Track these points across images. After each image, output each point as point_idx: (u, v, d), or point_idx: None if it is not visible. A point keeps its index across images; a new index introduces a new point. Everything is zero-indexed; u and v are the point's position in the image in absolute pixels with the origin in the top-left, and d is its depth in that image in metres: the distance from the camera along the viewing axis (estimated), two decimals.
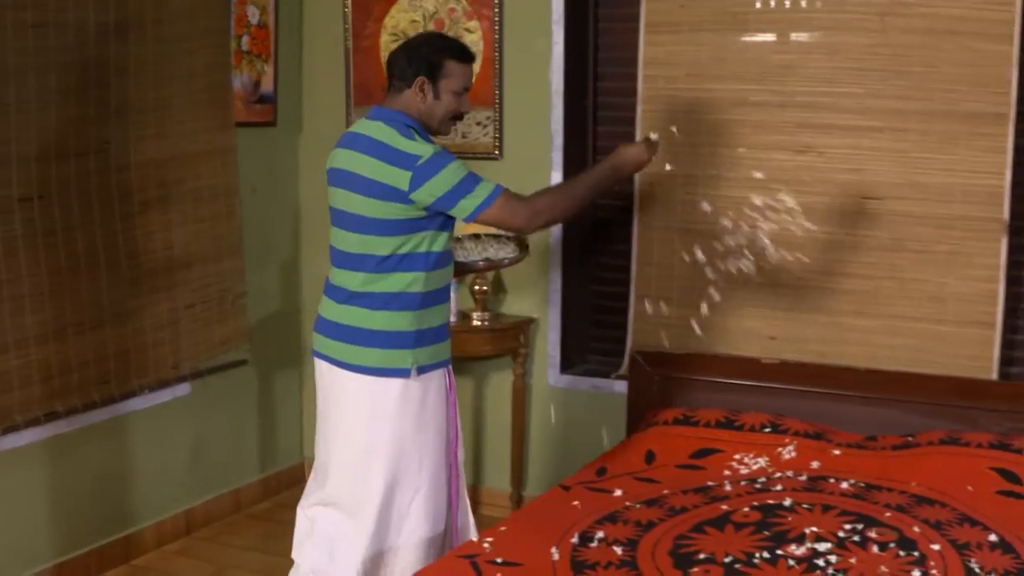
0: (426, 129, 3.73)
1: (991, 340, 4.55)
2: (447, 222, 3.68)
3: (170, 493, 5.19)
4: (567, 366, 5.34)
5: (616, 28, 5.19)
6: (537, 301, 5.28)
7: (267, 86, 5.45)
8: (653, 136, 3.93)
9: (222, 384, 5.38)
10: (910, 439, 4.34)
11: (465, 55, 3.76)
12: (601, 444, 5.06)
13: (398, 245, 3.63)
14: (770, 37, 4.73)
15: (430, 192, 3.55)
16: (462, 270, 4.22)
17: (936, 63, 4.51)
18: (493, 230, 4.27)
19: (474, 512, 5.09)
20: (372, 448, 3.74)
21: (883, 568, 3.35)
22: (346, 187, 3.65)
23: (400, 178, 3.54)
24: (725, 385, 4.80)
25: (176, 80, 4.91)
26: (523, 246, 4.34)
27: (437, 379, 3.78)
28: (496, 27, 5.17)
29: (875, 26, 4.57)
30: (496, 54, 5.18)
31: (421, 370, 3.71)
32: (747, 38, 4.77)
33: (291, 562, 4.35)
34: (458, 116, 3.80)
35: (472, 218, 3.61)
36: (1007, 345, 4.65)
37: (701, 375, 4.84)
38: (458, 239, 4.36)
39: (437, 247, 3.70)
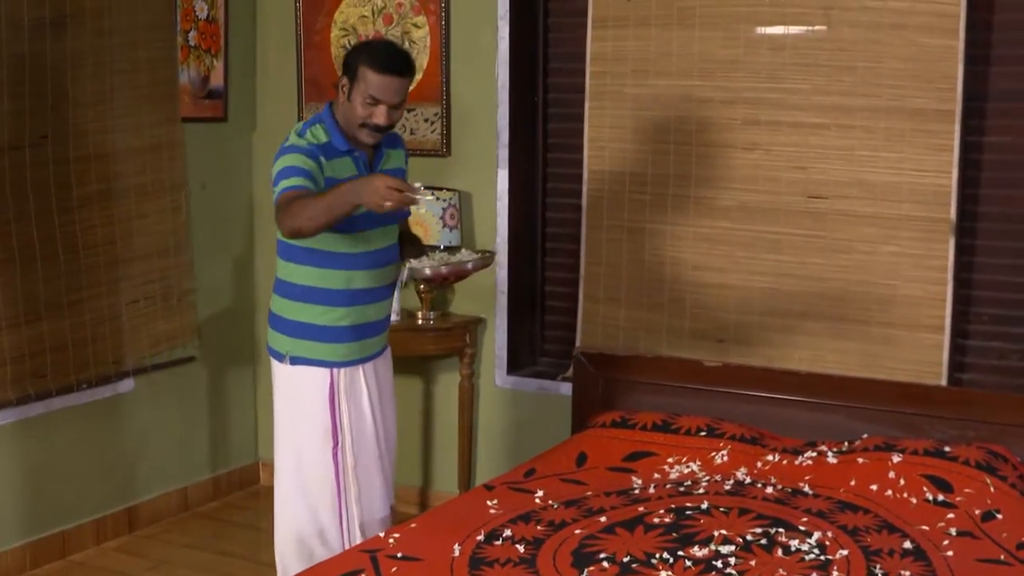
0: (348, 134, 3.69)
1: (940, 344, 4.45)
2: None
3: (112, 489, 5.17)
4: (516, 367, 5.29)
5: (566, 23, 5.14)
6: (485, 301, 5.23)
7: (217, 81, 5.43)
8: (418, 185, 3.57)
9: (169, 381, 5.36)
10: (847, 445, 4.25)
11: (381, 65, 3.60)
12: (547, 446, 4.99)
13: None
14: (716, 32, 4.66)
15: (271, 175, 3.60)
16: (429, 280, 4.01)
17: (881, 58, 4.44)
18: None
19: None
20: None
21: (781, 571, 3.28)
22: None
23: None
24: (669, 388, 4.71)
25: (118, 74, 4.92)
26: (485, 253, 4.08)
27: (314, 376, 3.79)
28: (443, 22, 5.13)
29: (820, 20, 4.49)
30: (443, 49, 5.14)
31: (294, 360, 3.78)
32: (693, 33, 4.70)
33: (233, 560, 4.73)
34: (373, 127, 3.66)
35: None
36: (958, 350, 4.54)
37: (644, 377, 4.76)
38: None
39: (314, 243, 3.65)
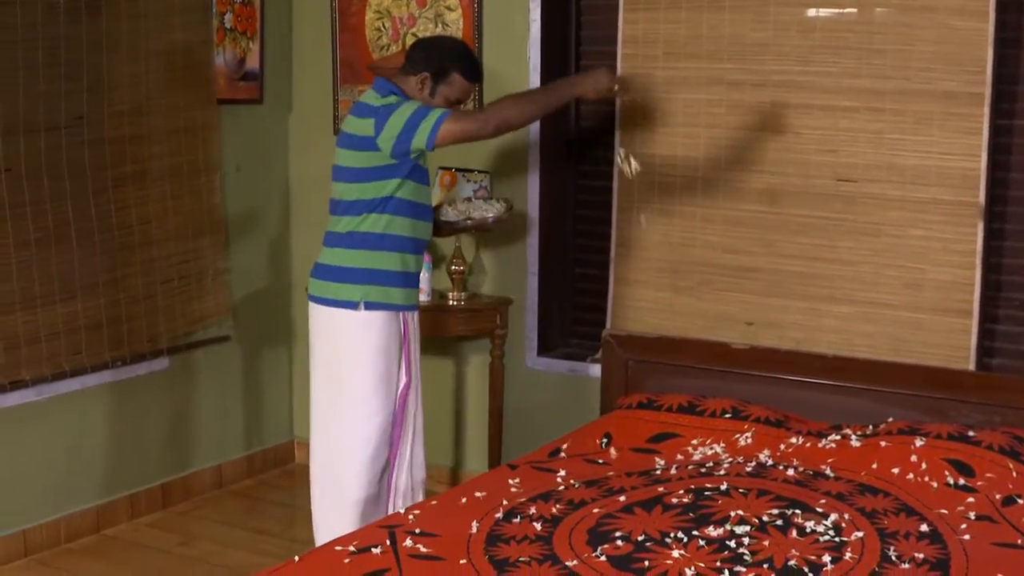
0: None
1: (968, 329, 4.41)
2: (414, 170, 4.00)
3: (146, 465, 5.23)
4: (547, 348, 5.30)
5: (598, 5, 5.14)
6: (516, 283, 5.24)
7: (252, 63, 5.47)
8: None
9: (204, 359, 5.42)
10: (872, 428, 4.22)
11: (473, 74, 4.15)
12: (577, 427, 4.99)
13: (363, 191, 3.99)
14: (746, 15, 4.64)
15: (390, 133, 3.90)
16: (450, 230, 4.54)
17: (912, 41, 4.39)
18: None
19: None
20: (322, 378, 4.17)
21: (794, 551, 3.27)
22: (339, 145, 4.09)
23: (368, 126, 3.94)
24: (696, 370, 4.70)
25: (153, 57, 4.97)
26: (508, 206, 4.57)
27: (390, 319, 4.06)
28: (475, 4, 5.14)
29: (850, 3, 4.46)
30: (475, 32, 5.15)
31: (369, 305, 4.04)
32: (723, 15, 4.69)
33: (265, 537, 4.96)
34: None
35: (431, 142, 3.90)
36: (987, 335, 4.50)
37: (672, 359, 4.75)
38: (443, 203, 4.65)
39: (401, 194, 4.00)
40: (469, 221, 4.46)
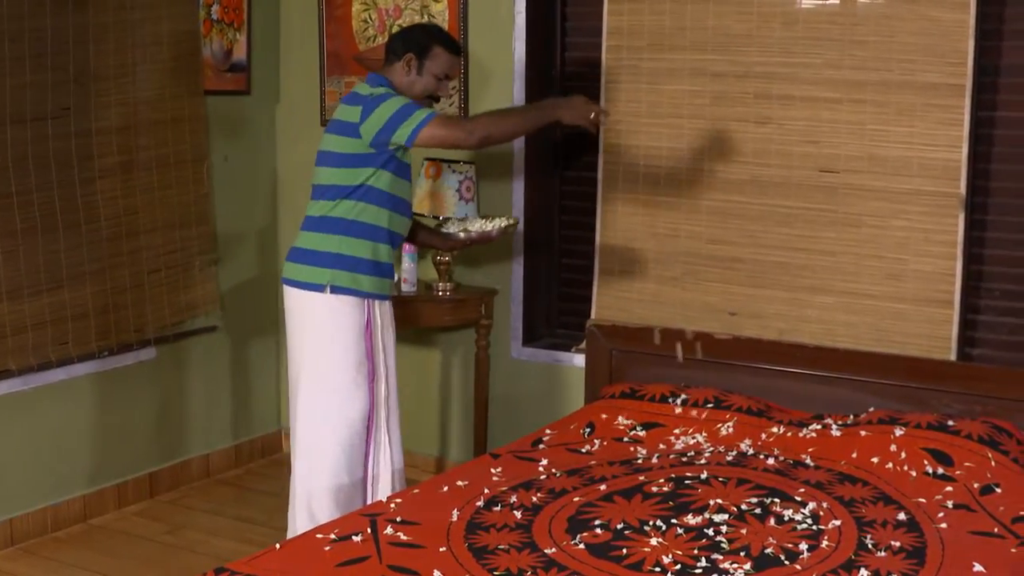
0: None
1: (950, 319, 4.44)
2: (390, 161, 4.05)
3: (133, 455, 5.25)
4: (532, 338, 5.32)
5: None
6: (501, 273, 5.26)
7: (239, 54, 5.49)
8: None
9: (191, 350, 5.44)
10: (852, 418, 4.26)
11: (453, 47, 4.22)
12: (561, 417, 5.02)
13: (339, 176, 4.07)
14: (729, 6, 4.67)
15: (375, 121, 3.96)
16: (453, 244, 4.60)
17: (893, 32, 4.41)
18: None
19: None
20: (293, 361, 4.19)
21: (771, 539, 3.30)
22: (326, 130, 4.16)
23: (355, 113, 4.01)
24: (679, 360, 4.74)
25: (140, 48, 4.99)
26: (512, 220, 4.59)
27: (355, 304, 4.09)
28: None
29: None
30: (461, 23, 5.17)
31: (335, 289, 4.07)
32: (707, 7, 4.71)
33: (252, 526, 4.99)
34: (434, 98, 4.24)
35: (412, 140, 3.96)
36: (968, 326, 4.54)
37: (656, 349, 4.78)
38: (448, 218, 4.81)
39: (377, 183, 4.05)
40: (462, 234, 4.48)
